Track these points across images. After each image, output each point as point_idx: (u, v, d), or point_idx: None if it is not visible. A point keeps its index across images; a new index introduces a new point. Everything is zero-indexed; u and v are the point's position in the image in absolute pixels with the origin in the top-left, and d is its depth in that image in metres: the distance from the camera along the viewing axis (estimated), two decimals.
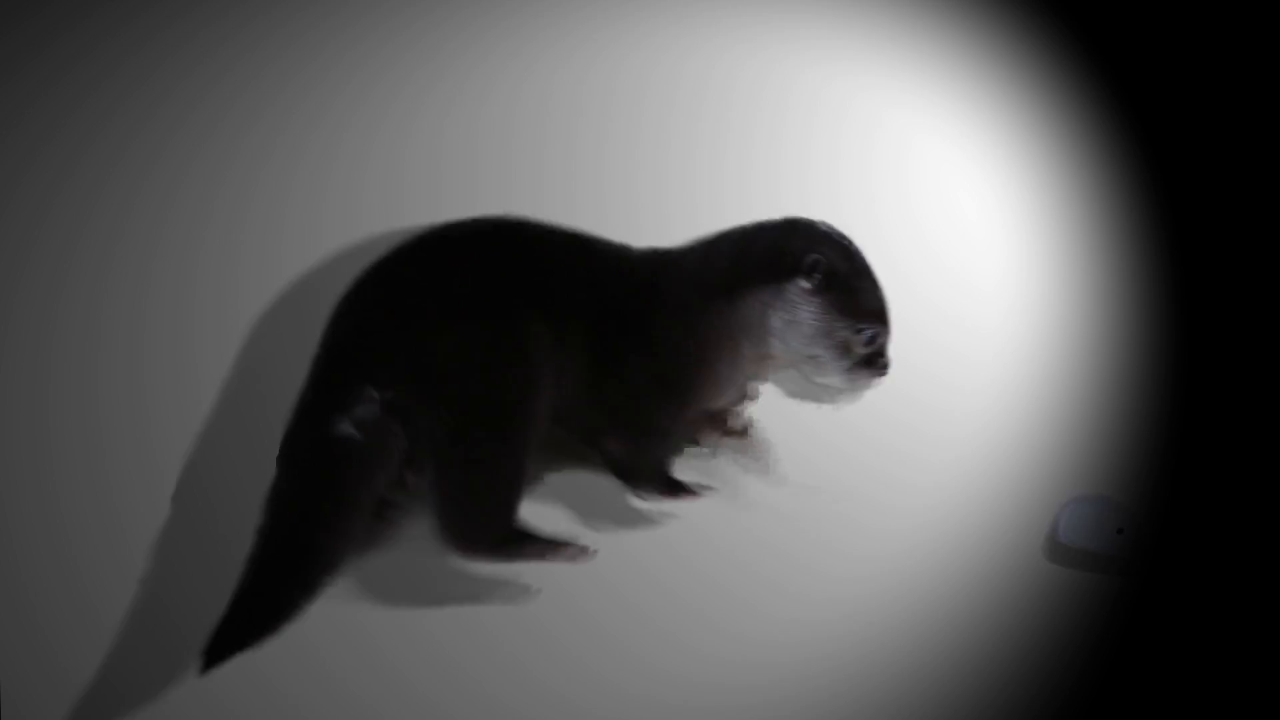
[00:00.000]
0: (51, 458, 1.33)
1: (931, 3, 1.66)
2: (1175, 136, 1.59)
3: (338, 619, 1.25)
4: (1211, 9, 1.63)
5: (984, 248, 1.53)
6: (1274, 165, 1.58)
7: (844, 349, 1.33)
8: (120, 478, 1.32)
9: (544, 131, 1.55)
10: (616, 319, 1.33)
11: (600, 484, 1.34)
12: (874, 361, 1.34)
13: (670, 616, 1.28)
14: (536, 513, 1.31)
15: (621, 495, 1.34)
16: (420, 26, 1.59)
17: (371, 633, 1.25)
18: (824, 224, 1.36)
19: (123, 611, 1.24)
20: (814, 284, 1.32)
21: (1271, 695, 1.29)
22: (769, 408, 1.40)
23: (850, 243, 1.35)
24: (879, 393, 1.42)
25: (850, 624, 1.29)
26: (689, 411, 1.36)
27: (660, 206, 1.53)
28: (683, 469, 1.35)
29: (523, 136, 1.55)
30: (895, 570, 1.32)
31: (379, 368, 1.24)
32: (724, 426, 1.41)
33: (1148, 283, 1.51)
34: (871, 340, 1.33)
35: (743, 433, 1.41)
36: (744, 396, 1.40)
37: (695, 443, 1.39)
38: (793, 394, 1.41)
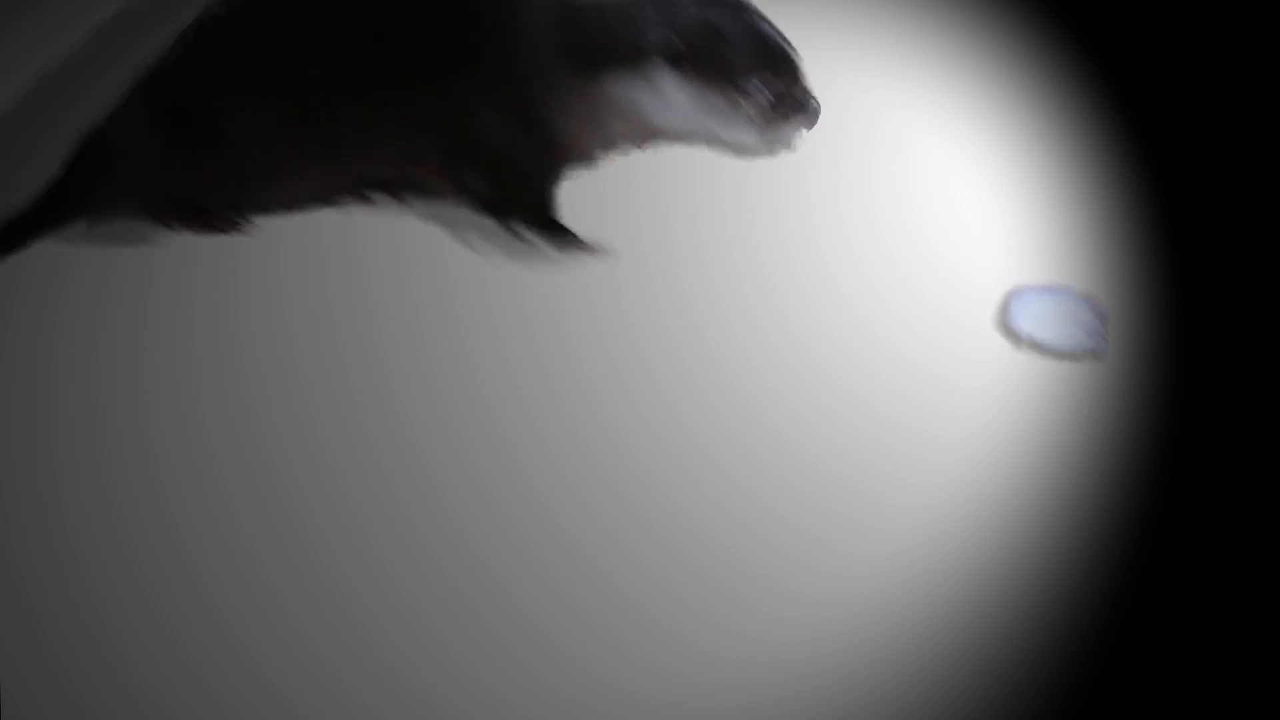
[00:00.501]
0: (52, 458, 1.33)
1: (931, 3, 1.66)
2: (1175, 136, 1.59)
3: (338, 619, 1.25)
4: (1211, 9, 1.63)
5: (984, 248, 1.53)
6: (1274, 165, 1.58)
7: (734, 110, 1.27)
8: (120, 477, 1.32)
9: None
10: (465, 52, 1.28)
11: (594, 482, 1.34)
12: (787, 105, 1.28)
13: (670, 616, 1.28)
14: (526, 516, 1.31)
15: (621, 495, 1.34)
16: None
17: (371, 633, 1.25)
18: None
19: (123, 611, 1.25)
20: (669, 57, 1.26)
21: (1272, 695, 1.29)
22: (768, 408, 1.40)
23: (717, 8, 1.27)
24: (879, 393, 1.41)
25: (850, 624, 1.29)
26: (556, 160, 1.31)
27: (660, 206, 1.53)
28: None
29: None
30: (895, 570, 1.32)
31: None
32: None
33: (1148, 282, 1.51)
34: (760, 90, 1.27)
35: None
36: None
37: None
38: (792, 393, 1.41)
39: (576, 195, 1.49)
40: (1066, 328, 1.35)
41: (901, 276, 1.50)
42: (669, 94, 1.27)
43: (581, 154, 1.31)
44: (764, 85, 1.25)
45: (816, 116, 1.28)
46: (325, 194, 1.42)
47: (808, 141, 1.55)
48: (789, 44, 1.28)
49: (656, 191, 1.54)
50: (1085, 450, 1.40)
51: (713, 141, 1.28)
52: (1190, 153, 1.59)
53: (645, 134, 1.29)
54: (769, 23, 1.29)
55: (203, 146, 1.34)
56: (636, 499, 1.34)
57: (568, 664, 1.25)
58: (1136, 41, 1.63)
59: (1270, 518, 1.37)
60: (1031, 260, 1.52)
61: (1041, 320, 1.35)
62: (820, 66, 1.56)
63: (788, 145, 1.30)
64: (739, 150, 1.30)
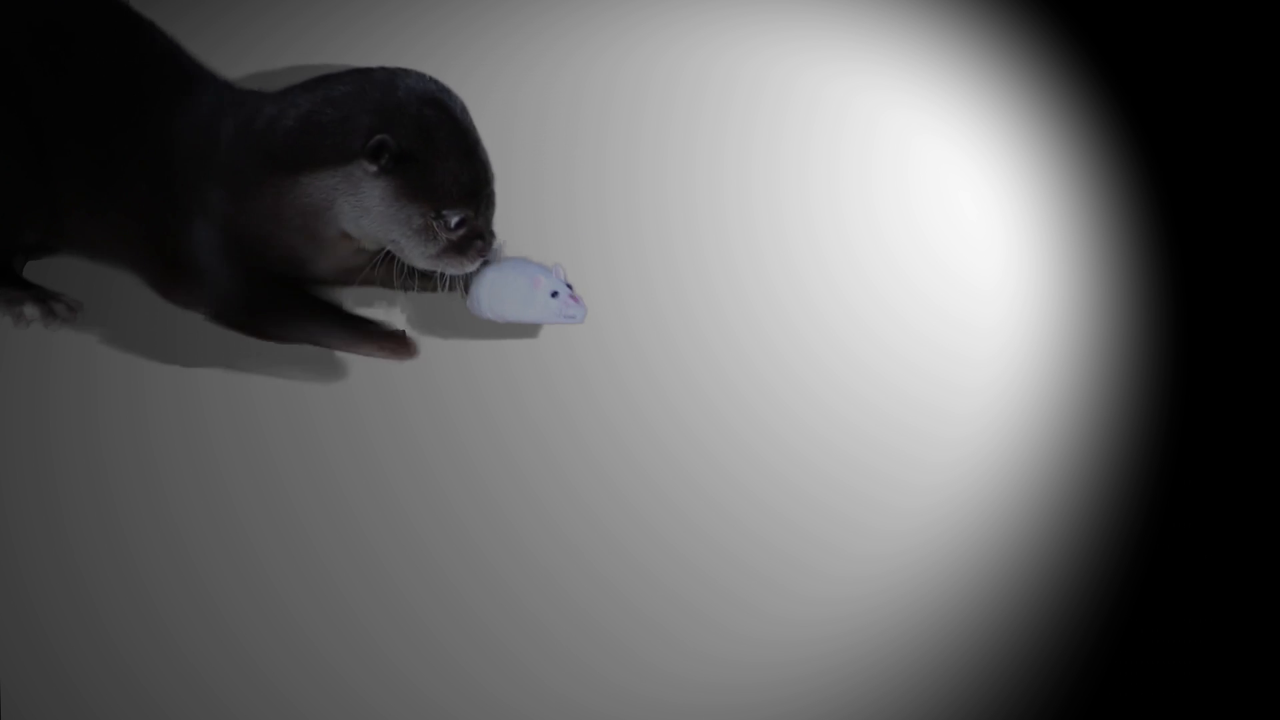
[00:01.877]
0: (52, 458, 1.33)
1: (931, 3, 1.66)
2: (1175, 136, 1.59)
3: (338, 619, 1.25)
4: (1211, 9, 1.63)
5: (984, 248, 1.53)
6: (1274, 165, 1.58)
7: (425, 234, 1.25)
8: (120, 477, 1.32)
9: (544, 131, 1.55)
10: (168, 165, 1.27)
11: (596, 484, 1.34)
12: (466, 246, 1.26)
13: (670, 616, 1.28)
14: (527, 519, 1.31)
15: (619, 495, 1.34)
16: (420, 26, 1.59)
17: (371, 632, 1.25)
18: (409, 84, 1.26)
19: (123, 611, 1.25)
20: (380, 166, 1.23)
21: (1272, 695, 1.29)
22: (768, 407, 1.40)
23: (437, 111, 1.25)
24: (879, 393, 1.41)
25: (850, 624, 1.29)
26: (267, 275, 1.30)
27: (660, 206, 1.53)
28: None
29: (523, 136, 1.55)
30: (895, 570, 1.32)
31: None
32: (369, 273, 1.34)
33: (1147, 282, 1.51)
34: (460, 225, 1.25)
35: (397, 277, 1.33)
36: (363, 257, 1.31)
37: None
38: (792, 393, 1.41)
39: (576, 195, 1.49)
40: (523, 296, 1.33)
41: (901, 276, 1.50)
42: (367, 200, 1.25)
43: (287, 256, 1.31)
44: (460, 219, 1.26)
45: (479, 260, 1.30)
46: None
47: (808, 141, 1.55)
48: (491, 175, 1.28)
49: (657, 191, 1.55)
50: (1085, 450, 1.40)
51: (395, 251, 1.28)
52: (1190, 153, 1.59)
53: (346, 240, 1.28)
54: (480, 142, 1.29)
55: None
56: (638, 500, 1.34)
57: (568, 664, 1.25)
58: (1136, 41, 1.63)
59: (1270, 518, 1.37)
60: (1031, 260, 1.52)
61: (499, 294, 1.34)
62: (820, 66, 1.56)
63: (454, 274, 1.30)
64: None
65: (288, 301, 1.34)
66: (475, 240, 1.27)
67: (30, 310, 1.36)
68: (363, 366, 1.40)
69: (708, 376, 1.42)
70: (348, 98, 1.26)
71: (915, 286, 1.49)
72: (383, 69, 1.29)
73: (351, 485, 1.33)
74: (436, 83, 1.29)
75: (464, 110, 1.29)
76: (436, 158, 1.24)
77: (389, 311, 1.43)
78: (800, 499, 1.35)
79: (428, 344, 1.42)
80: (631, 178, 1.54)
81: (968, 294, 1.50)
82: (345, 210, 1.26)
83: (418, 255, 1.28)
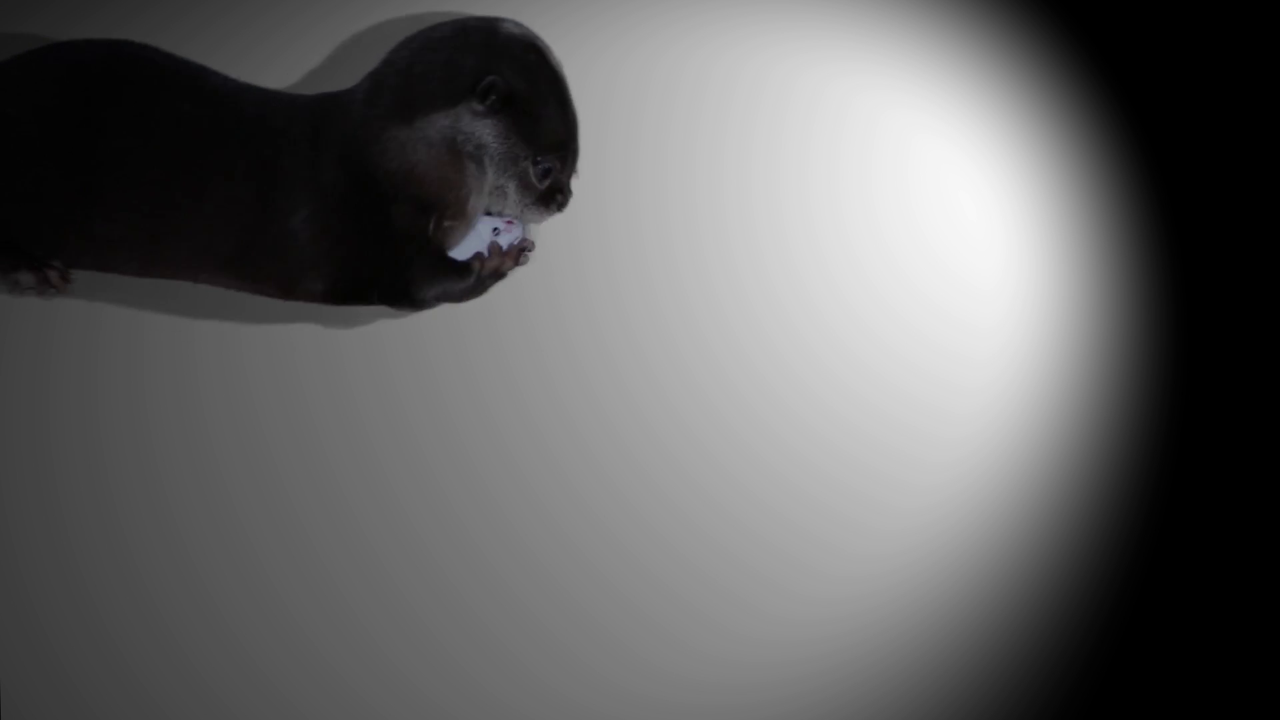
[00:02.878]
0: (52, 458, 1.33)
1: (931, 3, 1.66)
2: (1175, 136, 1.59)
3: (338, 619, 1.25)
4: (1211, 9, 1.63)
5: (984, 248, 1.53)
6: (1274, 165, 1.58)
7: (524, 179, 1.29)
8: (121, 477, 1.32)
9: None
10: (274, 172, 1.30)
11: (596, 485, 1.34)
12: (550, 198, 1.30)
13: (670, 616, 1.28)
14: (527, 519, 1.31)
15: (619, 497, 1.34)
16: (421, 26, 1.59)
17: (371, 632, 1.25)
18: (508, 29, 1.29)
19: (123, 611, 1.25)
20: (488, 106, 1.27)
21: (1272, 695, 1.29)
22: (768, 407, 1.40)
23: (538, 57, 1.29)
24: (880, 392, 1.41)
25: (850, 624, 1.29)
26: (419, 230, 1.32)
27: (660, 206, 1.53)
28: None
29: None
30: (895, 570, 1.32)
31: None
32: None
33: (1147, 282, 1.51)
34: (546, 174, 1.29)
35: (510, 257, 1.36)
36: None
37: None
38: (792, 393, 1.41)
39: (576, 194, 1.49)
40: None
41: (901, 276, 1.50)
42: (481, 136, 1.29)
43: (428, 202, 1.33)
44: (551, 170, 1.30)
45: (561, 212, 1.33)
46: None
47: (808, 141, 1.55)
48: (578, 124, 1.32)
49: (657, 191, 1.55)
50: (1085, 450, 1.40)
51: (491, 207, 1.32)
52: (1190, 153, 1.58)
53: (458, 177, 1.31)
54: (570, 93, 1.33)
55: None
56: (638, 501, 1.34)
57: (568, 664, 1.25)
58: (1136, 41, 1.63)
59: (1270, 518, 1.37)
60: (1031, 260, 1.52)
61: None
62: (820, 66, 1.56)
63: (536, 222, 1.34)
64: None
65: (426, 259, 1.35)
66: (556, 194, 1.31)
67: (25, 278, 1.37)
68: (362, 366, 1.40)
69: (708, 376, 1.42)
70: (447, 42, 1.29)
71: (915, 286, 1.49)
72: (477, 16, 1.32)
73: (351, 486, 1.33)
74: (532, 31, 1.31)
75: (559, 60, 1.32)
76: (538, 102, 1.28)
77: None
78: (800, 499, 1.35)
79: (426, 345, 1.42)
80: (632, 177, 1.54)
81: (968, 294, 1.50)
82: (466, 148, 1.29)
83: (514, 201, 1.31)
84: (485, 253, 1.34)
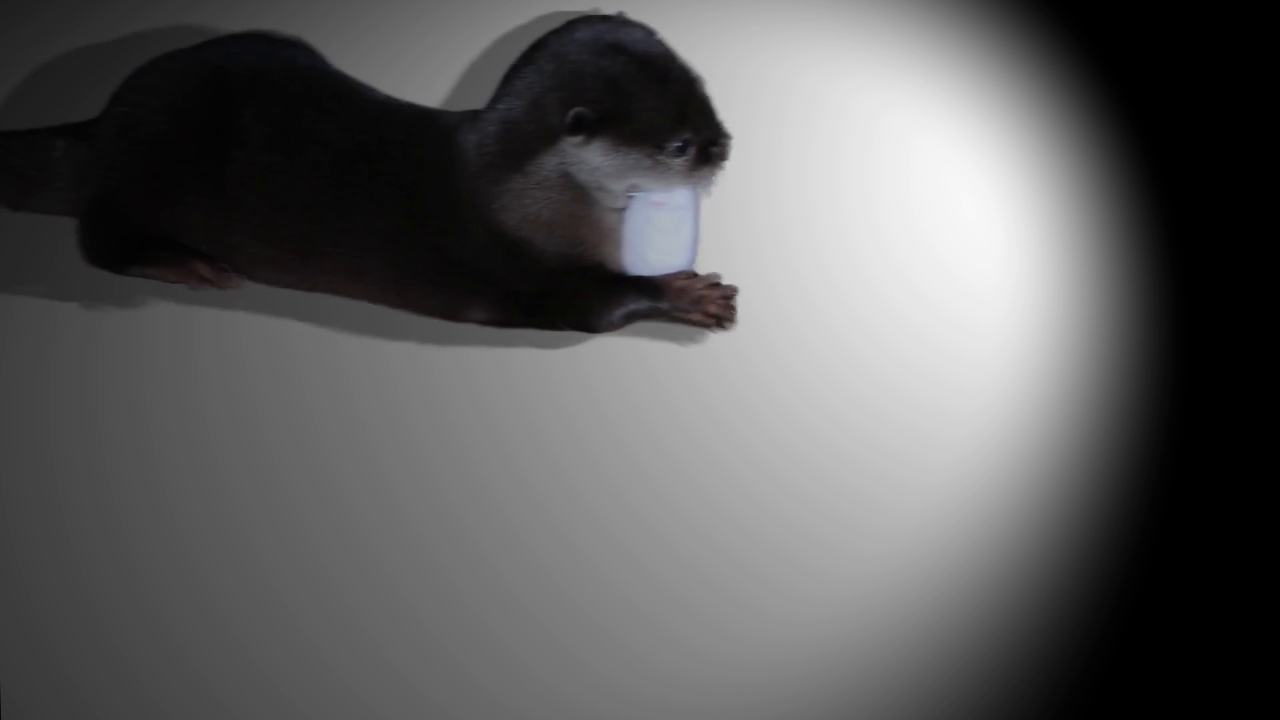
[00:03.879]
0: (52, 458, 1.33)
1: (931, 3, 1.66)
2: (1175, 136, 1.59)
3: (338, 619, 1.25)
4: (1211, 9, 1.63)
5: (984, 248, 1.53)
6: (1274, 165, 1.58)
7: (659, 169, 1.30)
8: (121, 477, 1.32)
9: None
10: (422, 201, 1.34)
11: (596, 484, 1.34)
12: (707, 157, 1.31)
13: (670, 616, 1.28)
14: (527, 519, 1.31)
15: (619, 495, 1.33)
16: (423, 25, 1.59)
17: (371, 632, 1.25)
18: (579, 39, 1.30)
19: (123, 611, 1.24)
20: (585, 135, 1.29)
21: (1272, 695, 1.29)
22: (768, 407, 1.40)
23: (613, 56, 1.29)
24: (879, 392, 1.41)
25: (850, 624, 1.29)
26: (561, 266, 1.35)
27: None
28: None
29: None
30: (895, 570, 1.32)
31: None
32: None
33: (1147, 282, 1.51)
34: (681, 150, 1.30)
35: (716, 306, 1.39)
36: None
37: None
38: (791, 392, 1.41)
39: None
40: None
41: (901, 276, 1.50)
42: (591, 161, 1.31)
43: (559, 247, 1.36)
44: (683, 145, 1.30)
45: (724, 163, 1.33)
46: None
47: (808, 141, 1.55)
48: (698, 81, 1.32)
49: None
50: (1085, 450, 1.40)
51: (640, 190, 1.33)
52: (1190, 153, 1.59)
53: (585, 208, 1.34)
54: (672, 56, 1.32)
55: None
56: (638, 500, 1.34)
57: (567, 664, 1.25)
58: (1136, 41, 1.63)
59: (1270, 518, 1.37)
60: (1031, 260, 1.52)
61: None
62: (820, 66, 1.56)
63: (710, 187, 1.34)
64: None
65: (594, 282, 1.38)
66: (707, 153, 1.31)
67: (203, 268, 1.38)
68: (361, 365, 1.40)
69: (707, 376, 1.42)
70: (529, 83, 1.31)
71: (915, 286, 1.49)
72: (551, 33, 1.33)
73: (351, 484, 1.33)
74: (608, 21, 1.32)
75: (646, 37, 1.33)
76: (632, 102, 1.28)
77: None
78: (800, 499, 1.35)
79: (425, 345, 1.42)
80: None
81: (968, 294, 1.50)
82: (583, 179, 1.32)
83: (666, 186, 1.33)
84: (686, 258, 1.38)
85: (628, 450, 1.37)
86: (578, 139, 1.29)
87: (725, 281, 1.43)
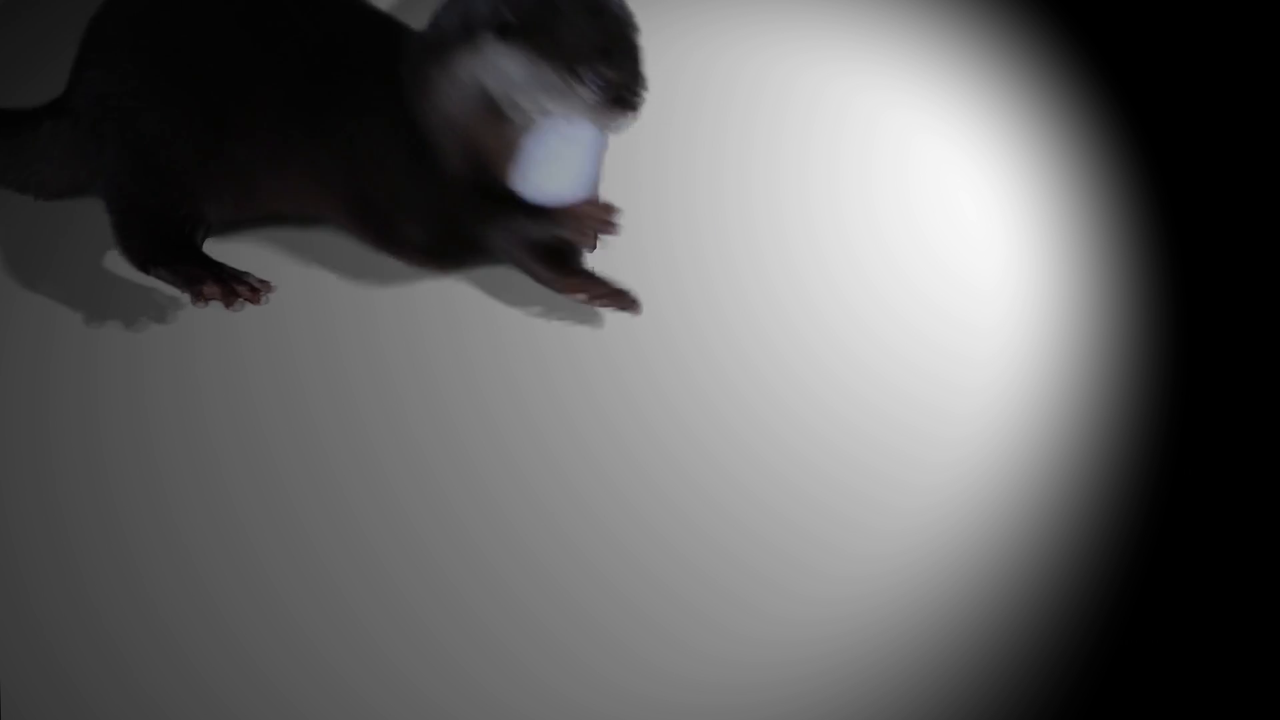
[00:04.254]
0: (52, 458, 1.33)
1: (931, 3, 1.66)
2: (1175, 136, 1.59)
3: (338, 619, 1.25)
4: (1211, 9, 1.63)
5: (984, 248, 1.53)
6: (1274, 165, 1.58)
7: (570, 95, 1.28)
8: (120, 478, 1.32)
9: None
10: (376, 115, 1.35)
11: (595, 483, 1.34)
12: (620, 99, 1.27)
13: (670, 616, 1.28)
14: (525, 517, 1.31)
15: (618, 494, 1.33)
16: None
17: (370, 631, 1.25)
18: None
19: (123, 611, 1.24)
20: (502, 32, 1.27)
21: (1272, 695, 1.29)
22: (767, 407, 1.40)
23: None
24: (879, 392, 1.41)
25: (850, 624, 1.29)
26: (460, 182, 1.34)
27: (660, 206, 1.53)
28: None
29: None
30: (895, 570, 1.32)
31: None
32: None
33: (1148, 282, 1.51)
34: (598, 84, 1.27)
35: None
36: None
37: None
38: (791, 392, 1.41)
39: None
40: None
41: (901, 276, 1.50)
42: (505, 67, 1.28)
43: (485, 167, 1.35)
44: (597, 77, 1.26)
45: (638, 111, 1.29)
46: (241, 219, 1.46)
47: (808, 141, 1.55)
48: (631, 25, 1.29)
49: (656, 191, 1.55)
50: (1086, 450, 1.40)
51: (554, 118, 1.30)
52: (1190, 153, 1.59)
53: (495, 114, 1.31)
54: (620, 2, 1.30)
55: (128, 150, 1.39)
56: (637, 500, 1.34)
57: (568, 664, 1.25)
58: (1136, 41, 1.63)
59: (1270, 518, 1.37)
60: (1031, 260, 1.52)
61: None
62: (820, 66, 1.56)
63: (616, 132, 1.32)
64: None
65: (506, 215, 1.38)
66: (619, 94, 1.28)
67: (210, 289, 1.38)
68: (360, 362, 1.40)
69: (707, 376, 1.42)
70: None
71: (915, 286, 1.49)
72: None
73: (348, 479, 1.33)
74: None
75: None
76: (559, 19, 1.26)
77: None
78: (800, 499, 1.35)
79: (423, 337, 1.42)
80: (631, 177, 1.54)
81: (968, 294, 1.50)
82: (493, 85, 1.30)
83: (568, 113, 1.30)
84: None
85: (626, 448, 1.37)
86: (496, 41, 1.27)
87: (724, 280, 1.43)
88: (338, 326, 1.44)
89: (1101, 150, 1.59)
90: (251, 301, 1.38)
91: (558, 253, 1.39)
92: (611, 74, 1.27)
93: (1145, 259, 1.53)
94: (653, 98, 1.57)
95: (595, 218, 1.36)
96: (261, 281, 1.39)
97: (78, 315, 1.43)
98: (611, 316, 1.45)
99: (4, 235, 1.49)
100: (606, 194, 1.48)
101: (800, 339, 1.46)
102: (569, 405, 1.39)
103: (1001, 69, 1.63)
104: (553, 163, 1.36)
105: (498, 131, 1.34)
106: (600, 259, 1.47)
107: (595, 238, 1.38)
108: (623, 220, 1.38)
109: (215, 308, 1.42)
